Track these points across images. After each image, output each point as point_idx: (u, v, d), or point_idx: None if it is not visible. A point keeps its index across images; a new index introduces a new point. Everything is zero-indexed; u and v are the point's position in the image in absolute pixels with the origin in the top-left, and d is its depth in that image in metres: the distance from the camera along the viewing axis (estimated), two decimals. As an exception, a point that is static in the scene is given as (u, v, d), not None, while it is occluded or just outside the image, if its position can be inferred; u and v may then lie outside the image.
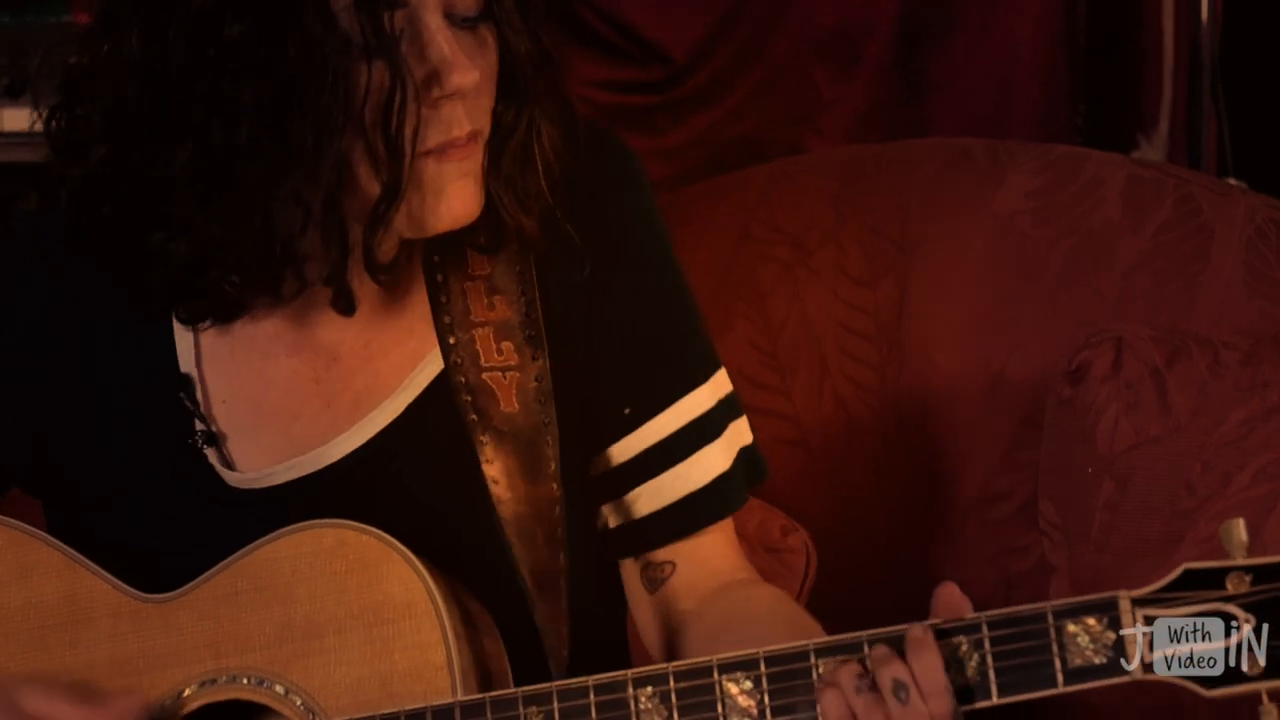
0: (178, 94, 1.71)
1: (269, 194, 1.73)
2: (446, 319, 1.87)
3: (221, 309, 1.82)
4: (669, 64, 2.91)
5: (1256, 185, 2.74)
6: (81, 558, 1.84)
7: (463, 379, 1.85)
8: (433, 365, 1.87)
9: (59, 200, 1.84)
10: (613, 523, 1.93)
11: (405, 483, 1.83)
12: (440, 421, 1.86)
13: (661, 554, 1.94)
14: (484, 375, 1.85)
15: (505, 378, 1.86)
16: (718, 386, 1.94)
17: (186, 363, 1.88)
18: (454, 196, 1.78)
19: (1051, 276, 2.40)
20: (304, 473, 1.85)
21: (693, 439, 1.91)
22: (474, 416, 1.85)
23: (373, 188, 1.74)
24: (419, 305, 1.88)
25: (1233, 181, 2.92)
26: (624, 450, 1.91)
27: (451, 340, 1.86)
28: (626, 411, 1.90)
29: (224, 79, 1.69)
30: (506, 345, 1.86)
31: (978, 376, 2.40)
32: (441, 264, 1.87)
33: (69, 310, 1.90)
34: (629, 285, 1.90)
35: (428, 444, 1.86)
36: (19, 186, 3.17)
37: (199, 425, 1.87)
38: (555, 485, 1.86)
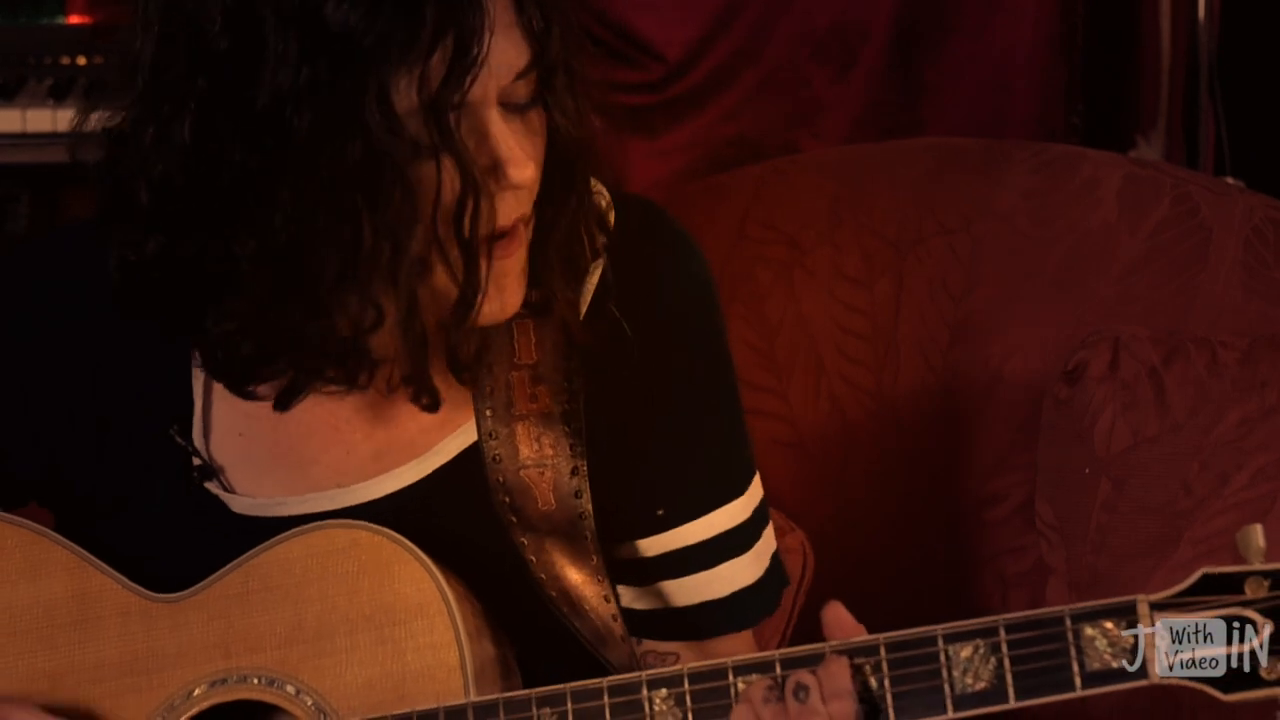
0: (232, 191, 1.68)
1: (338, 295, 1.71)
2: (488, 411, 1.84)
3: (285, 394, 1.80)
4: (664, 63, 2.91)
5: (1254, 184, 2.74)
6: (91, 557, 1.84)
7: (500, 478, 1.83)
8: (464, 436, 1.85)
9: (110, 268, 1.80)
10: (631, 604, 1.92)
11: (426, 543, 1.80)
12: (467, 495, 1.84)
13: (665, 645, 1.93)
14: (521, 473, 1.84)
15: (542, 473, 1.84)
16: (753, 496, 1.92)
17: (196, 390, 1.87)
18: (507, 292, 1.77)
19: (1049, 276, 2.40)
20: (317, 509, 1.84)
21: (722, 550, 1.91)
22: (512, 518, 1.83)
23: (447, 286, 1.73)
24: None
25: (1230, 180, 2.92)
26: (650, 546, 1.90)
27: (492, 436, 1.84)
28: (660, 513, 1.89)
29: (284, 180, 1.67)
30: (545, 439, 1.84)
31: (974, 377, 2.39)
32: (488, 351, 1.84)
33: (87, 325, 1.88)
34: (679, 383, 1.88)
35: (452, 512, 1.84)
36: (10, 189, 3.19)
37: (195, 460, 1.86)
38: (600, 577, 1.85)
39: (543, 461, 1.83)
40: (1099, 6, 3.08)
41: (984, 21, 2.96)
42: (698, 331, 1.90)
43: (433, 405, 1.80)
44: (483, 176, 1.70)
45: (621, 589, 1.91)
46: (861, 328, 2.43)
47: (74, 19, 3.21)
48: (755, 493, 1.93)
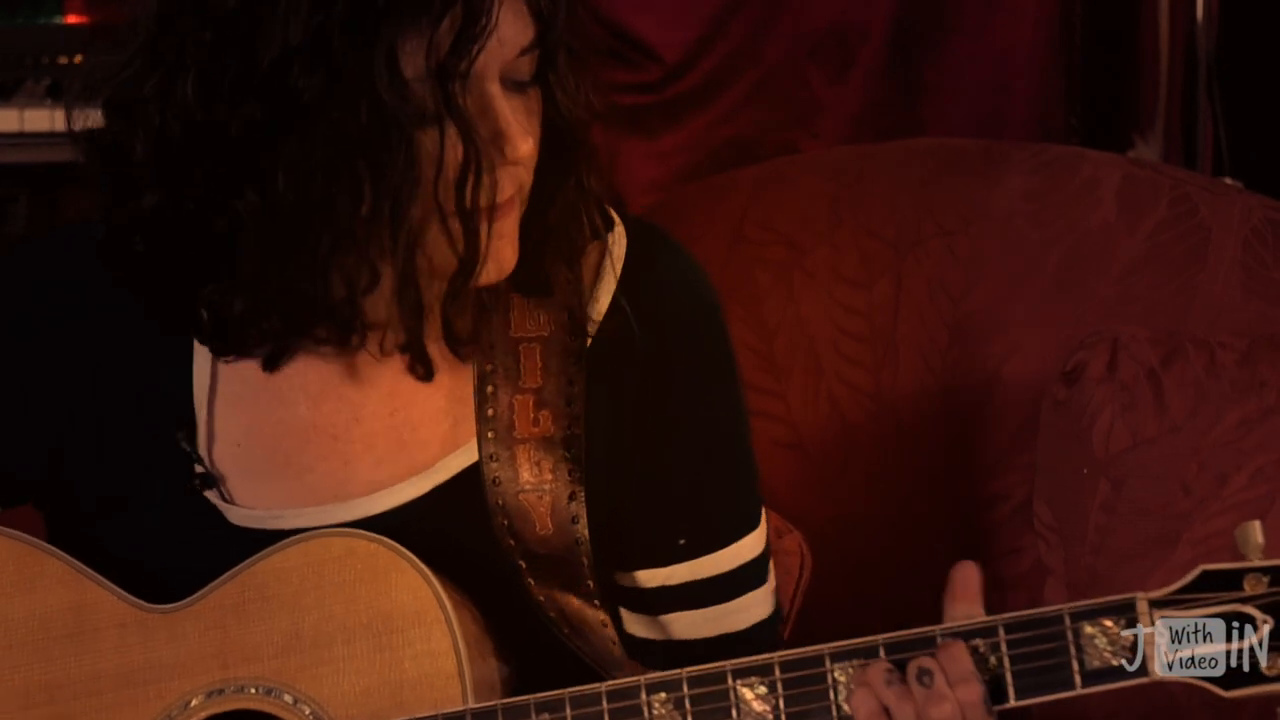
0: (236, 146, 1.68)
1: (335, 256, 1.71)
2: (490, 433, 1.84)
3: (272, 355, 1.82)
4: (662, 64, 2.91)
5: (1253, 185, 2.74)
6: (87, 569, 1.83)
7: (500, 501, 1.83)
8: (465, 456, 1.85)
9: (99, 234, 1.81)
10: (639, 632, 1.92)
11: (423, 559, 1.79)
12: (466, 514, 1.84)
13: None
14: (520, 496, 1.83)
15: (541, 498, 1.83)
16: (764, 527, 1.92)
17: (200, 398, 1.87)
18: (498, 254, 1.76)
19: (1047, 277, 2.39)
20: (315, 523, 1.83)
21: (742, 582, 1.91)
22: (511, 541, 1.83)
23: (445, 255, 1.73)
24: (458, 391, 1.85)
25: (1229, 181, 2.92)
26: (670, 575, 1.90)
27: (493, 459, 1.84)
28: (681, 542, 1.89)
29: (289, 138, 1.67)
30: (545, 463, 1.83)
31: (974, 378, 2.39)
32: (494, 373, 1.84)
33: (87, 326, 1.88)
34: (698, 412, 1.88)
35: (451, 531, 1.84)
36: (9, 189, 3.19)
37: (197, 469, 1.85)
38: (597, 602, 1.85)
39: (541, 486, 1.83)
40: (1098, 7, 3.08)
41: (984, 21, 2.96)
42: (709, 357, 1.90)
43: (426, 375, 1.81)
44: (485, 146, 1.70)
45: (635, 619, 1.91)
46: (860, 329, 2.43)
47: (72, 19, 3.21)
48: (765, 523, 1.93)
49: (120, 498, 1.87)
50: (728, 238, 2.47)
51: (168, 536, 1.85)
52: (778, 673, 1.70)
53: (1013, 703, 1.67)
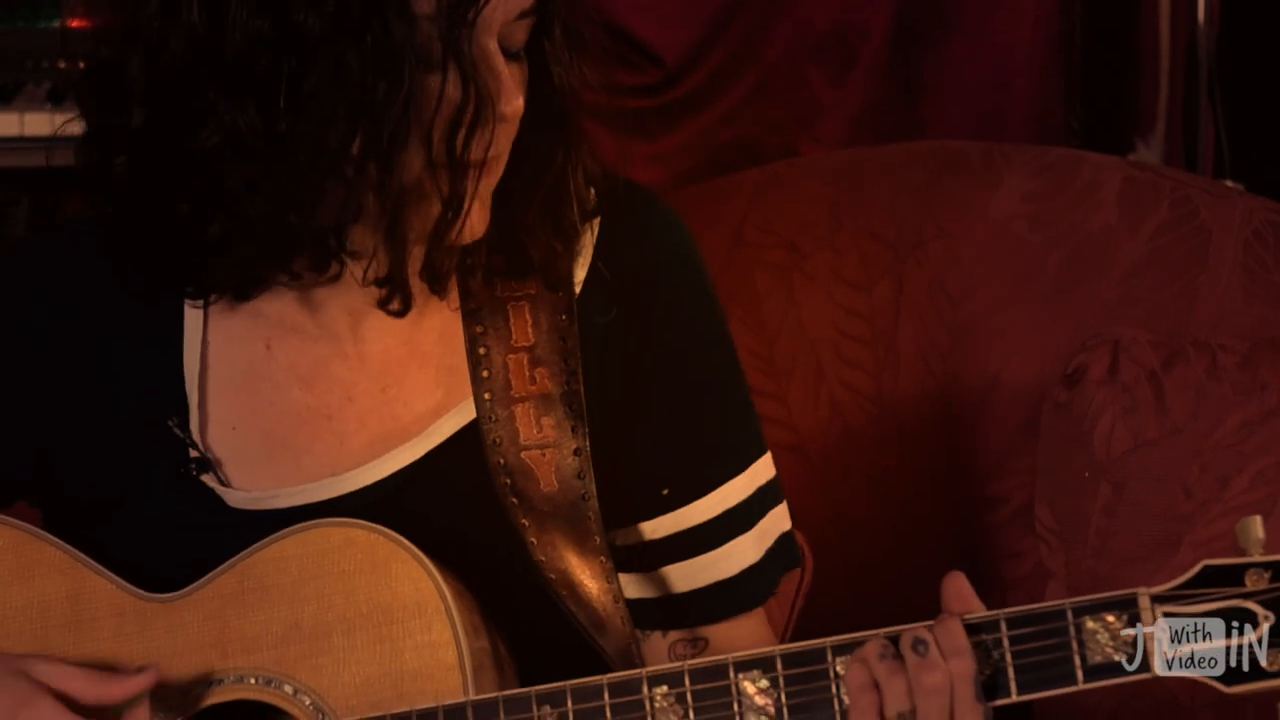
0: (236, 68, 1.69)
1: (326, 185, 1.72)
2: (486, 395, 1.85)
3: (241, 285, 1.82)
4: (662, 67, 2.90)
5: (1254, 187, 2.74)
6: (85, 557, 1.83)
7: (501, 460, 1.84)
8: (458, 418, 1.86)
9: (79, 155, 1.81)
10: (637, 593, 1.92)
11: (421, 527, 1.80)
12: (463, 477, 1.84)
13: (686, 633, 1.92)
14: (523, 454, 1.84)
15: (544, 455, 1.84)
16: (757, 474, 1.93)
17: (191, 383, 1.87)
18: (473, 216, 1.77)
19: (1048, 280, 2.39)
20: (309, 500, 1.84)
21: (726, 529, 1.91)
22: (514, 500, 1.83)
23: (427, 207, 1.74)
24: (447, 359, 1.86)
25: (1230, 184, 2.91)
26: (655, 528, 1.90)
27: (491, 419, 1.84)
28: (665, 492, 1.89)
29: (290, 64, 1.68)
30: (546, 420, 1.84)
31: (974, 381, 2.39)
32: (484, 334, 1.86)
33: (84, 323, 1.88)
34: (679, 361, 1.89)
35: (448, 493, 1.85)
36: (9, 193, 3.18)
37: (192, 453, 1.85)
38: (604, 558, 1.85)
39: (544, 443, 1.84)
40: (1098, 8, 3.08)
41: (983, 23, 2.95)
42: (692, 304, 1.91)
43: (404, 308, 1.81)
44: (484, 93, 1.72)
45: (627, 577, 1.90)
46: (861, 332, 2.43)
47: (72, 22, 3.21)
48: (761, 471, 1.93)
49: (117, 493, 1.87)
50: (728, 241, 2.47)
51: (166, 527, 1.85)
52: (779, 666, 1.70)
53: (1015, 697, 1.67)
